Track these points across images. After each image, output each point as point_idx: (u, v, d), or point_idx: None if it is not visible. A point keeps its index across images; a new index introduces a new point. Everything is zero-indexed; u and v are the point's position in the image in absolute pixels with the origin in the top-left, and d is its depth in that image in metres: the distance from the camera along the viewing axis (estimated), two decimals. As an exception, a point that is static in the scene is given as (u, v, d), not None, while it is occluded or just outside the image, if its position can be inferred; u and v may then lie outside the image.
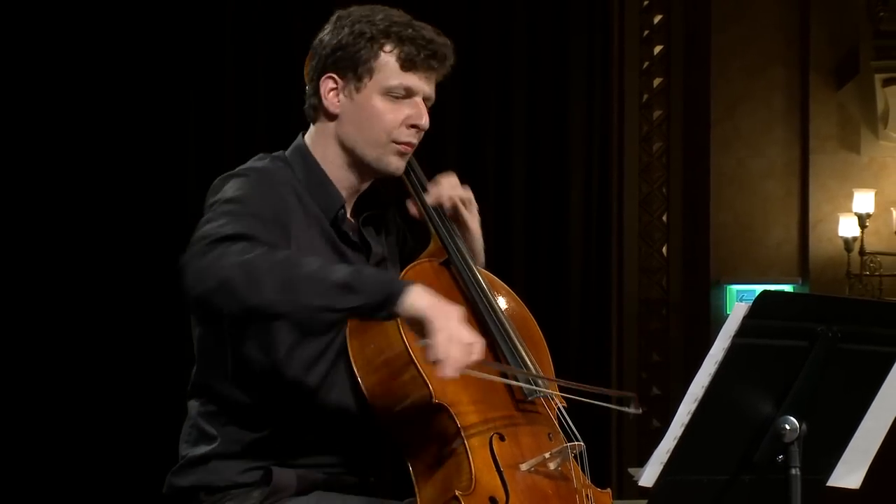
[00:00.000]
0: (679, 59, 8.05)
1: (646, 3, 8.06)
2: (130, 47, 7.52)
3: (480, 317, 3.02)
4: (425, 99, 2.99)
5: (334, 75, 2.96)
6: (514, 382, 2.95)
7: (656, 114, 8.05)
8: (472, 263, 3.07)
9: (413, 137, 2.98)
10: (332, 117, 2.98)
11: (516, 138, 7.75)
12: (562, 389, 2.97)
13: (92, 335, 7.43)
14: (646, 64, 8.05)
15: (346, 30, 2.95)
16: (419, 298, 2.64)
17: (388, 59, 2.93)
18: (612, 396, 2.98)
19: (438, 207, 3.12)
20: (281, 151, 3.06)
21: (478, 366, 2.70)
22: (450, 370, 2.63)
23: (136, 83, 7.51)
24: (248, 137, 7.46)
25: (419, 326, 2.65)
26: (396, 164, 3.00)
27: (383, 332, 2.90)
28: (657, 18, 8.07)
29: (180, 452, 3.01)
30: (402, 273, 2.99)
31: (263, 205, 2.80)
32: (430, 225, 3.12)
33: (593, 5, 7.86)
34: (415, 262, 3.06)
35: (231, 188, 2.84)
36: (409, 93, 2.95)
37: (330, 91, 2.97)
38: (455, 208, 3.13)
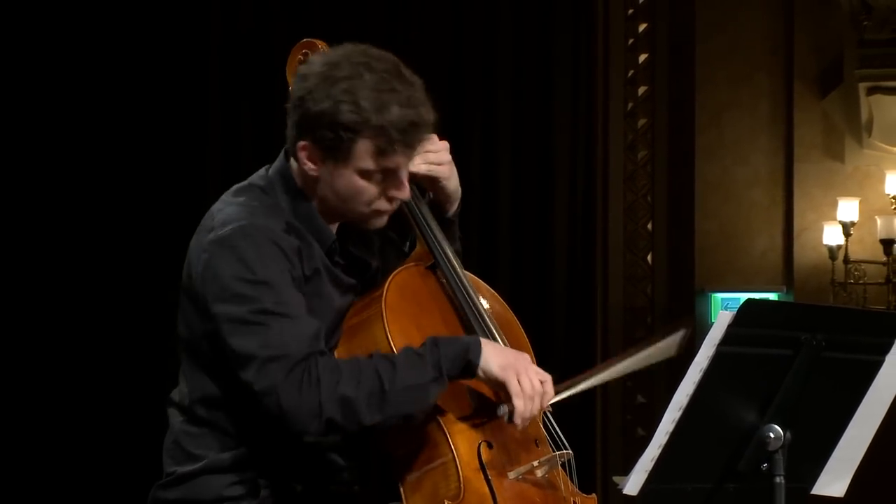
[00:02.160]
0: (664, 68, 8.05)
1: (630, 11, 8.06)
2: (118, 52, 7.53)
3: (466, 321, 3.02)
4: (405, 167, 2.93)
5: (312, 146, 2.90)
6: (573, 391, 2.99)
7: (641, 122, 8.05)
8: (458, 267, 3.08)
9: (393, 205, 2.96)
10: (311, 178, 2.95)
11: (501, 147, 7.75)
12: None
13: (77, 342, 7.42)
14: (630, 72, 8.05)
15: (327, 105, 2.85)
16: (492, 361, 2.83)
17: (363, 148, 2.86)
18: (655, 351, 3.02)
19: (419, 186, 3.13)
20: (263, 173, 3.02)
21: None
22: (523, 426, 2.87)
23: (127, 86, 7.52)
24: (234, 137, 7.45)
25: (496, 387, 2.85)
26: (379, 223, 3.00)
27: (371, 338, 2.90)
28: (642, 26, 8.07)
29: (165, 468, 2.99)
30: (391, 277, 2.99)
31: (282, 276, 2.84)
32: (416, 229, 3.12)
33: (578, 13, 7.86)
34: (401, 267, 3.06)
35: (239, 259, 2.82)
36: (386, 173, 2.90)
37: (307, 158, 2.92)
38: (429, 176, 3.14)
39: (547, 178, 7.78)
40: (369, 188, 2.90)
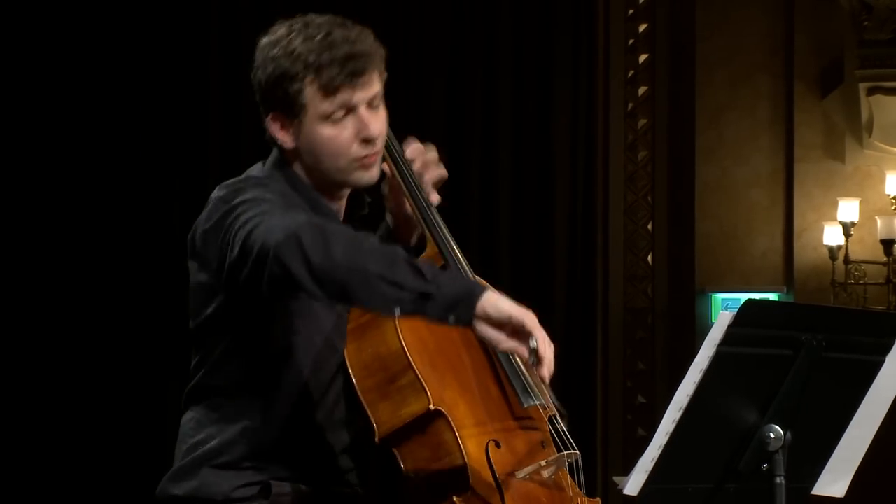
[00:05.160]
0: (664, 68, 8.06)
1: (631, 11, 8.07)
2: (119, 52, 7.54)
3: None
4: (369, 102, 2.92)
5: (276, 114, 2.93)
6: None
7: (641, 122, 8.05)
8: (469, 270, 3.06)
9: (370, 149, 2.92)
10: (291, 151, 2.95)
11: (501, 147, 7.75)
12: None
13: (87, 338, 7.44)
14: (631, 73, 8.06)
15: (270, 68, 2.90)
16: (502, 300, 2.62)
17: (311, 91, 2.87)
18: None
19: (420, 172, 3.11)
20: (259, 167, 3.03)
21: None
22: (546, 370, 2.64)
23: (127, 87, 7.54)
24: (233, 138, 7.46)
25: (506, 327, 2.62)
26: (368, 177, 2.95)
27: (381, 336, 2.89)
28: (642, 27, 8.07)
29: (175, 459, 2.99)
30: None
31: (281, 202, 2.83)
32: (427, 230, 3.11)
33: (578, 14, 7.87)
34: None
35: (244, 192, 2.83)
36: (348, 109, 2.90)
37: (279, 131, 2.93)
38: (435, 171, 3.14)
39: (547, 179, 7.79)
40: (338, 134, 2.89)
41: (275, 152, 3.02)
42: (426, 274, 2.59)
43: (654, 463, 2.66)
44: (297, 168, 2.97)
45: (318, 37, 2.87)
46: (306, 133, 2.91)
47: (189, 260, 2.95)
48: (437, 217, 3.10)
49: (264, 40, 2.94)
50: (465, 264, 3.07)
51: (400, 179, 3.09)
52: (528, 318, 2.62)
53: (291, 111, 2.89)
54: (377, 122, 2.92)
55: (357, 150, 2.91)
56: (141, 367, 7.43)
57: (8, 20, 7.47)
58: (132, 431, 7.36)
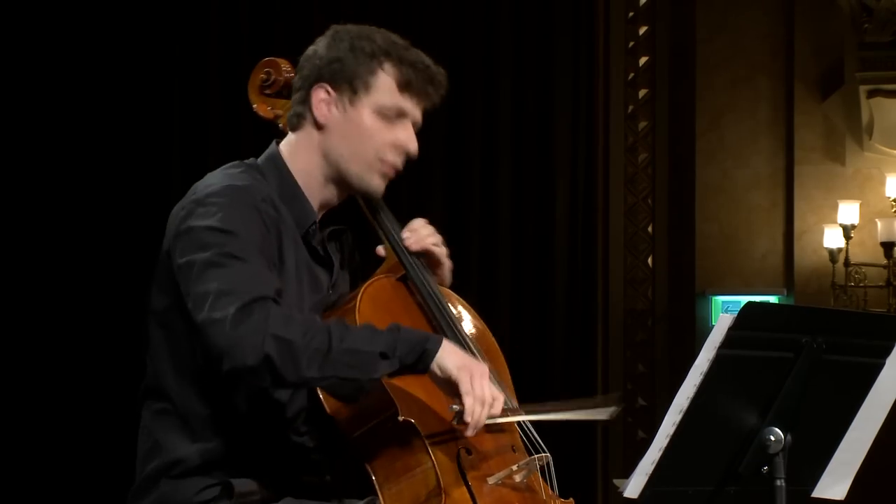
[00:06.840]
0: (664, 70, 8.06)
1: (631, 14, 8.07)
2: (115, 48, 7.53)
3: (439, 330, 3.01)
4: (414, 125, 2.97)
5: (328, 86, 2.94)
6: (512, 419, 2.98)
7: (642, 125, 8.05)
8: (429, 278, 3.07)
9: (399, 160, 2.97)
10: (319, 127, 2.96)
11: (502, 150, 7.75)
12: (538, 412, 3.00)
13: (86, 337, 7.43)
14: (631, 75, 8.06)
15: (345, 44, 2.94)
16: (449, 359, 2.77)
17: (386, 78, 2.92)
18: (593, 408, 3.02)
19: (417, 252, 3.11)
20: (253, 159, 3.03)
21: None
22: (471, 431, 2.78)
23: (122, 84, 7.52)
24: (232, 137, 7.46)
25: (448, 386, 2.78)
26: (378, 184, 2.98)
27: None
28: (643, 30, 8.07)
29: (137, 469, 2.98)
30: (362, 289, 2.98)
31: (253, 233, 2.81)
32: (387, 241, 3.11)
33: (578, 17, 7.87)
34: (373, 278, 3.05)
35: (215, 213, 2.81)
36: (401, 115, 2.93)
37: (321, 101, 2.94)
38: (429, 252, 3.13)
39: (547, 181, 7.79)
40: (382, 130, 2.93)
41: (271, 148, 3.03)
42: (388, 353, 2.75)
43: (654, 465, 2.66)
44: (302, 158, 2.97)
45: (400, 42, 2.97)
46: (352, 113, 2.94)
47: (164, 242, 2.93)
48: (399, 229, 3.10)
49: (336, 28, 3.00)
50: (424, 272, 3.07)
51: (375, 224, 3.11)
52: (464, 380, 2.76)
53: (351, 85, 2.92)
54: (416, 144, 2.98)
55: (389, 154, 2.95)
56: (134, 365, 7.41)
57: (8, 16, 7.46)
58: (129, 429, 7.34)
